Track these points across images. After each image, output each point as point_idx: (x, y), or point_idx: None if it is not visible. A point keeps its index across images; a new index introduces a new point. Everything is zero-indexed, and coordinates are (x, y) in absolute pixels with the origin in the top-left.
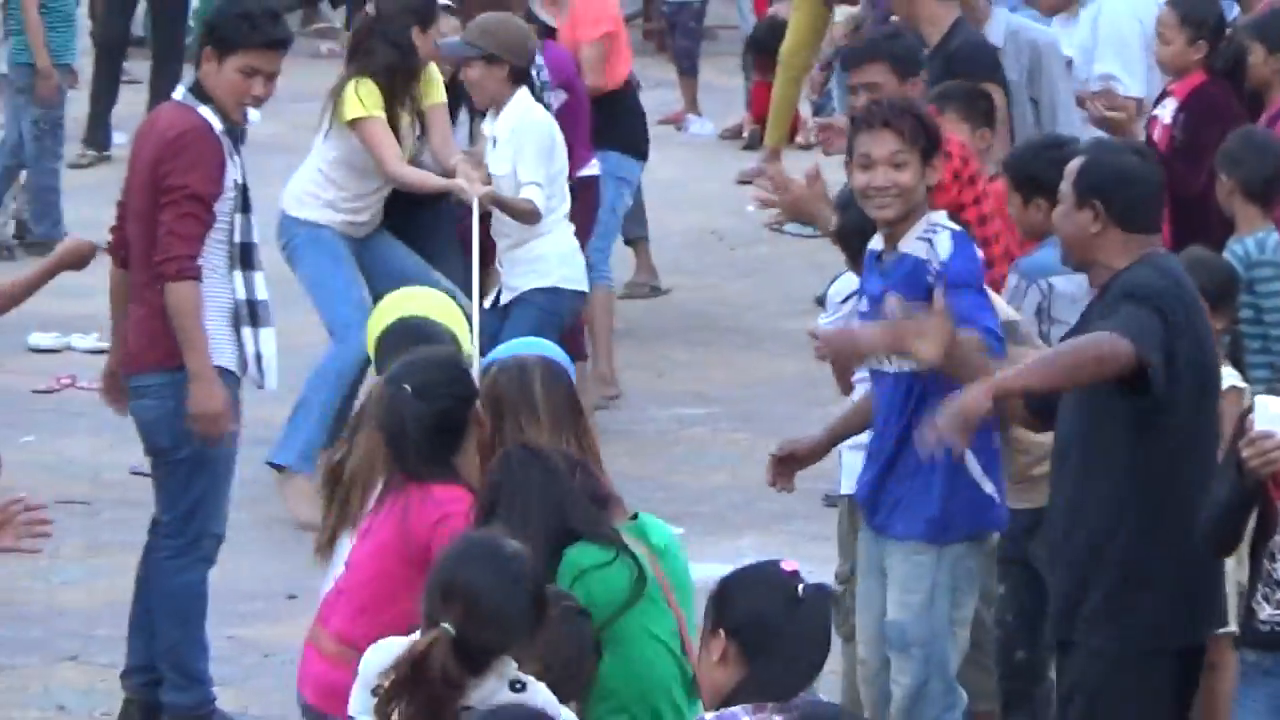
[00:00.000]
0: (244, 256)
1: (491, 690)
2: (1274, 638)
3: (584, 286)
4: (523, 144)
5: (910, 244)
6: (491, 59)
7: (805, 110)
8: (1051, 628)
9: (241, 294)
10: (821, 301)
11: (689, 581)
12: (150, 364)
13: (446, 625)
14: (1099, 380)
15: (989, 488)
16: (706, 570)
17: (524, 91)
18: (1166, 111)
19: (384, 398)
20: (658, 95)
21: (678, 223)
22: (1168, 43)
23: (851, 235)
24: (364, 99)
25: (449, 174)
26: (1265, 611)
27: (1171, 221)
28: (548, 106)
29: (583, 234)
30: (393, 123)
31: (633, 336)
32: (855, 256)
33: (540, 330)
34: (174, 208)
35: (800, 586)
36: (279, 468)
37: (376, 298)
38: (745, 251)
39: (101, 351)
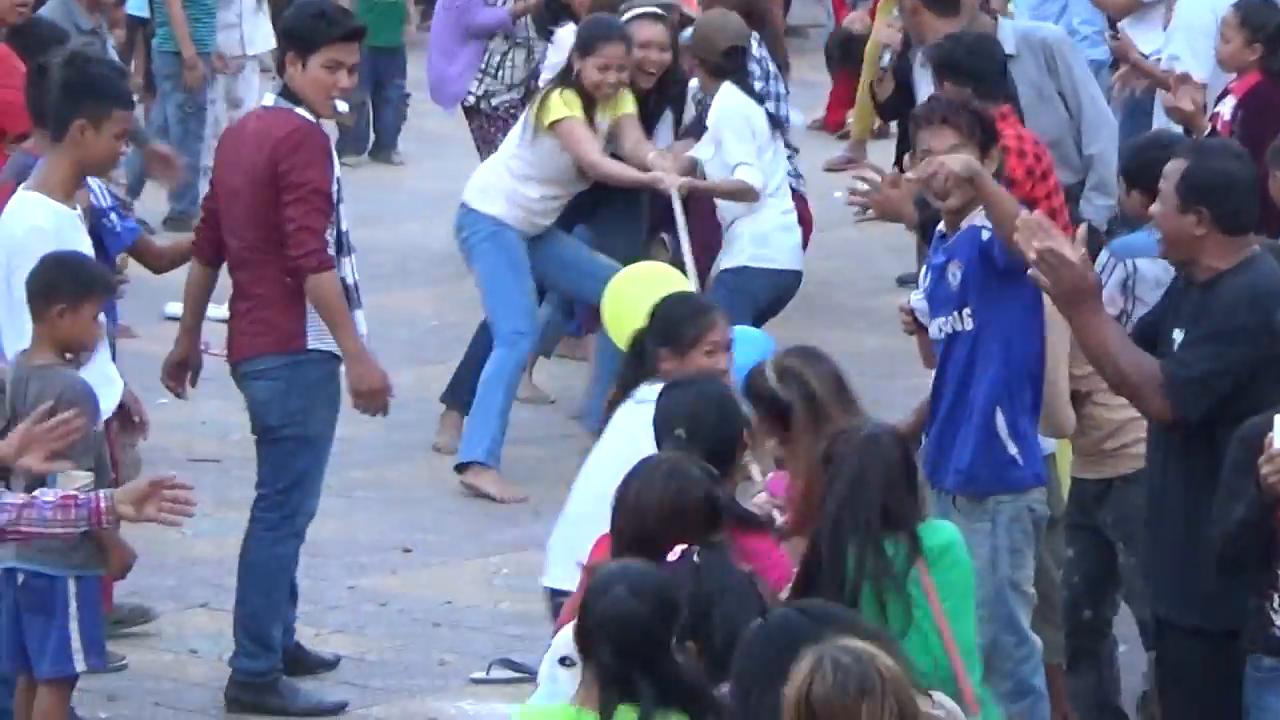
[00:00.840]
0: (344, 243)
1: None
2: None
3: (782, 264)
4: (721, 130)
5: (971, 222)
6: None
7: None
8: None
9: (349, 279)
10: (903, 281)
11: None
12: (264, 349)
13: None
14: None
15: (1013, 449)
16: None
17: (728, 84)
18: (1226, 108)
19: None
20: None
21: None
22: (1227, 41)
23: (930, 229)
24: (566, 103)
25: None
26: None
27: None
28: (762, 96)
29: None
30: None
31: None
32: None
33: (730, 309)
34: (301, 204)
35: None
36: (467, 465)
37: (540, 285)
38: (832, 234)
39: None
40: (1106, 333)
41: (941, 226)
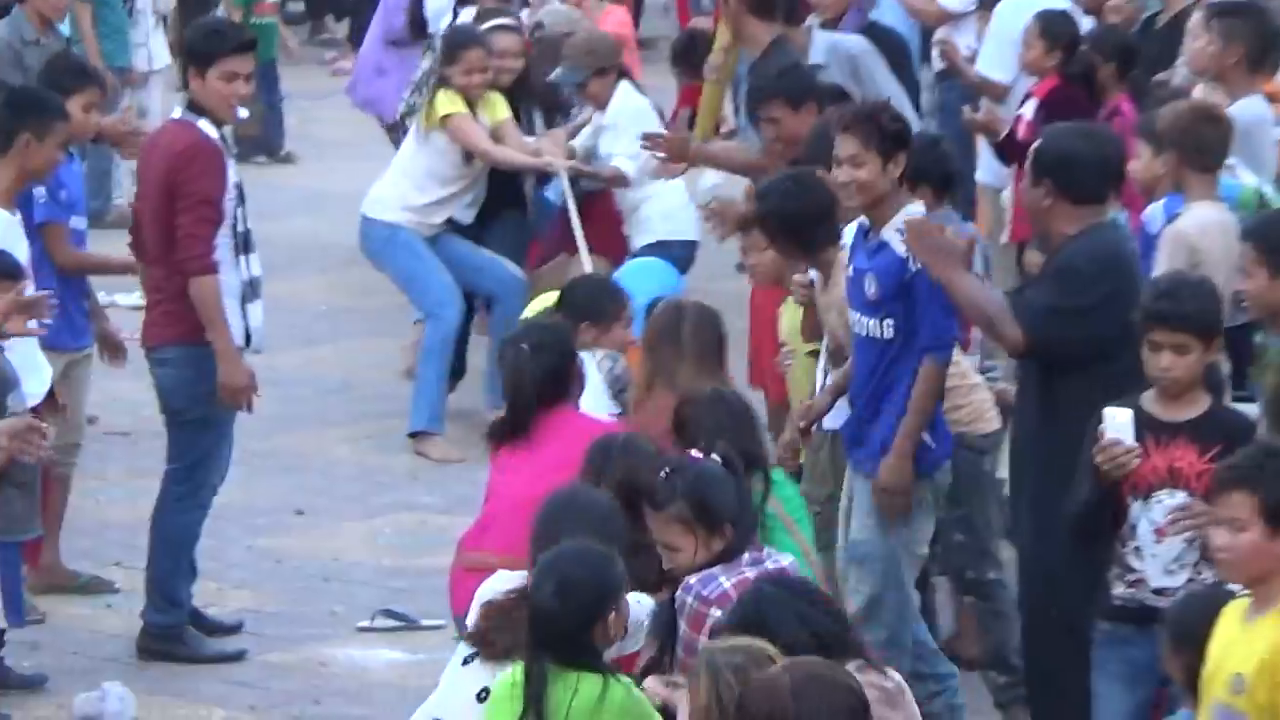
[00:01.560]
0: (244, 243)
1: None
2: (1124, 612)
3: (691, 235)
4: (616, 122)
5: (889, 233)
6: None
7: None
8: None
9: (245, 275)
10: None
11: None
12: (170, 339)
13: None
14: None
15: (926, 437)
16: None
17: (624, 83)
18: (1029, 109)
19: (505, 355)
20: None
21: None
22: (1029, 48)
23: (769, 220)
24: (451, 101)
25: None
26: (1118, 589)
27: None
28: None
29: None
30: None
31: None
32: (774, 238)
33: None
34: (191, 212)
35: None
36: (415, 434)
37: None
38: None
39: (141, 308)
40: (969, 284)
41: (864, 219)
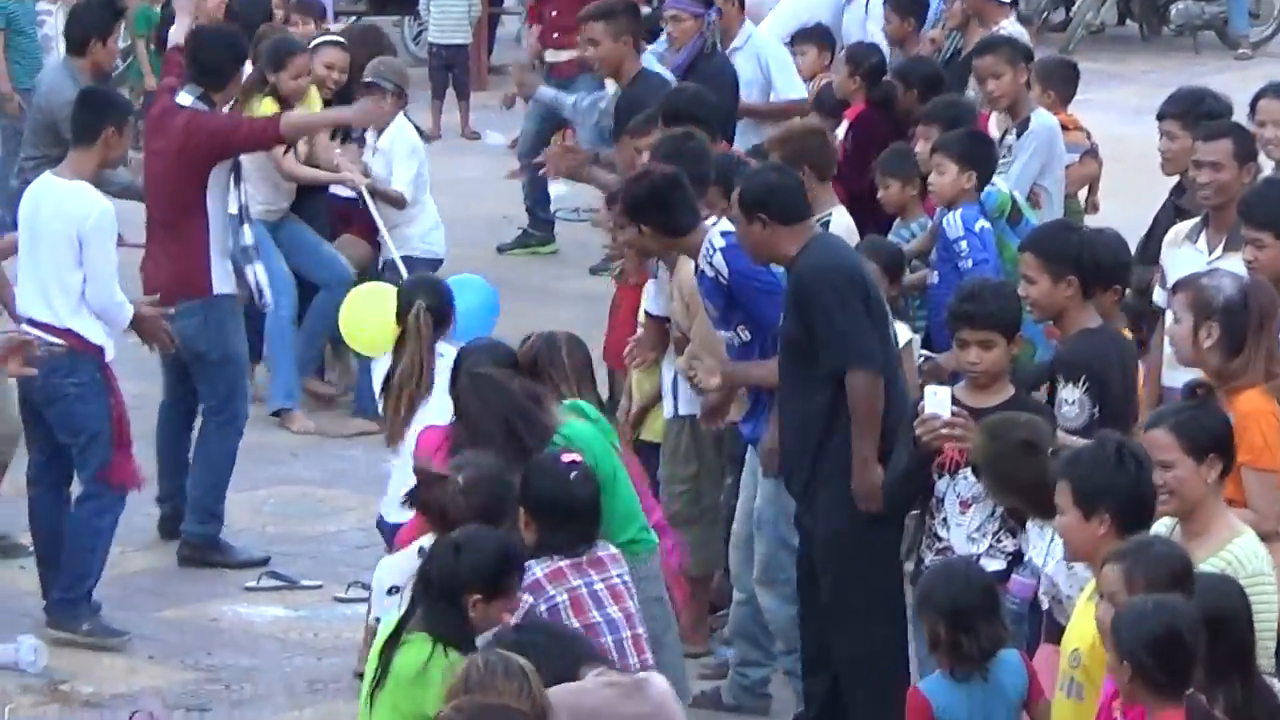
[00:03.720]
0: (242, 214)
1: None
2: None
3: (440, 254)
4: (396, 152)
5: (701, 263)
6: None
7: None
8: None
9: (243, 242)
10: (595, 270)
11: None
12: (183, 294)
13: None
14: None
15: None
16: None
17: (401, 116)
18: (841, 130)
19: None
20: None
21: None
22: (842, 75)
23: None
24: (266, 110)
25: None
26: (927, 557)
27: (848, 211)
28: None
29: None
30: None
31: None
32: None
33: None
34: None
35: (572, 472)
36: (279, 413)
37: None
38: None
39: None
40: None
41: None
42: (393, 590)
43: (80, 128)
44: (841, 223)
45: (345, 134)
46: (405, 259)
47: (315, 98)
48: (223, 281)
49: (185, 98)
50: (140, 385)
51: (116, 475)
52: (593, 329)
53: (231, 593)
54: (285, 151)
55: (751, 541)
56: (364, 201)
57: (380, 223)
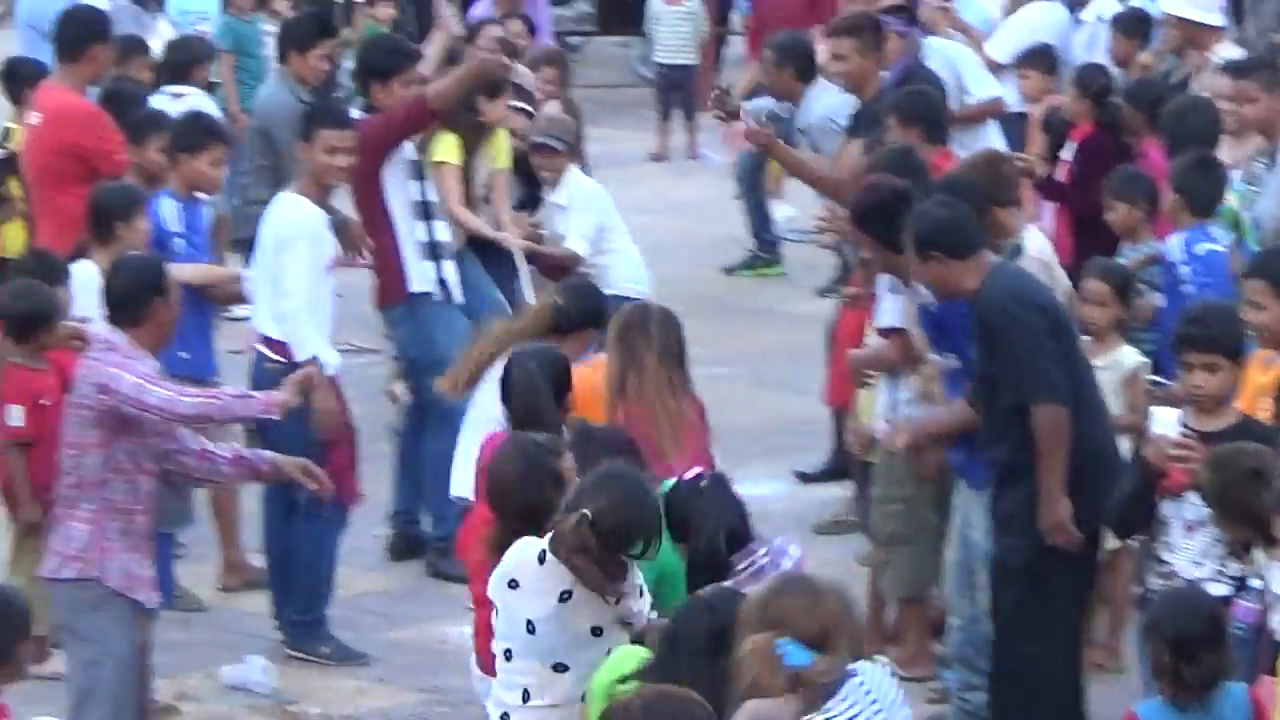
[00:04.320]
0: (424, 210)
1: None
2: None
3: (648, 292)
4: (573, 206)
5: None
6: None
7: None
8: None
9: (426, 237)
10: (823, 292)
11: None
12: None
13: (586, 511)
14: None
15: None
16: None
17: (574, 168)
18: (1068, 151)
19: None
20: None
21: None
22: (1026, 78)
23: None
24: (447, 149)
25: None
26: (1152, 581)
27: (1074, 234)
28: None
29: None
30: (467, 174)
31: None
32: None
33: None
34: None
35: (702, 481)
36: None
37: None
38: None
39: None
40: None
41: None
42: (512, 584)
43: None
44: (1035, 244)
45: (532, 200)
46: (614, 298)
47: (504, 151)
48: (420, 280)
49: (355, 112)
50: (365, 407)
51: (337, 493)
52: (820, 351)
53: (458, 614)
54: (462, 199)
55: (965, 565)
56: (519, 266)
57: (527, 283)
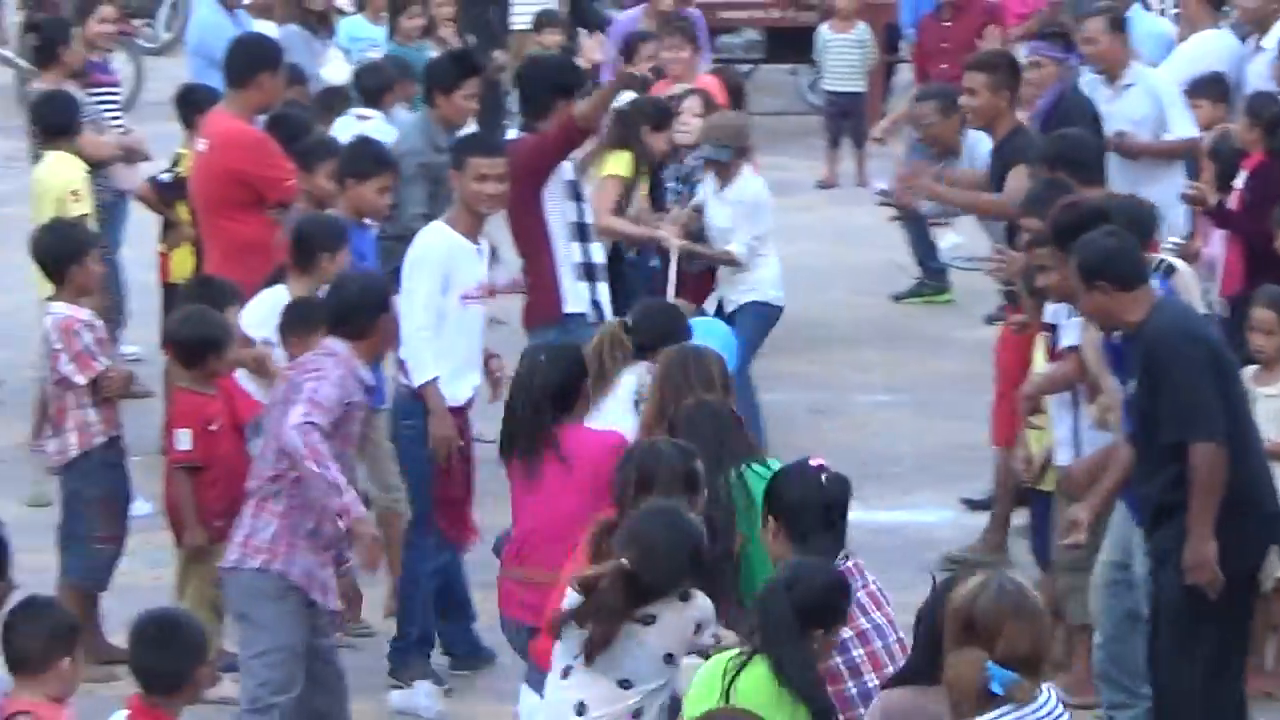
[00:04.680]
0: (580, 231)
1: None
2: None
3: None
4: (744, 208)
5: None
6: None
7: None
8: None
9: (580, 259)
10: (991, 320)
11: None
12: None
13: (624, 561)
14: None
15: None
16: (890, 516)
17: (747, 166)
18: (1240, 179)
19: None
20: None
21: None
22: (1199, 107)
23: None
24: (616, 163)
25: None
26: None
27: (1245, 262)
28: None
29: None
30: (629, 190)
31: (842, 341)
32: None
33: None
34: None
35: (823, 475)
36: None
37: None
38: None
39: None
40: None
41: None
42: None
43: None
44: (1183, 270)
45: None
46: (758, 305)
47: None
48: (575, 301)
49: (511, 133)
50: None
51: (447, 527)
52: (988, 380)
53: None
54: (614, 210)
55: (1115, 585)
56: (670, 266)
57: (672, 284)
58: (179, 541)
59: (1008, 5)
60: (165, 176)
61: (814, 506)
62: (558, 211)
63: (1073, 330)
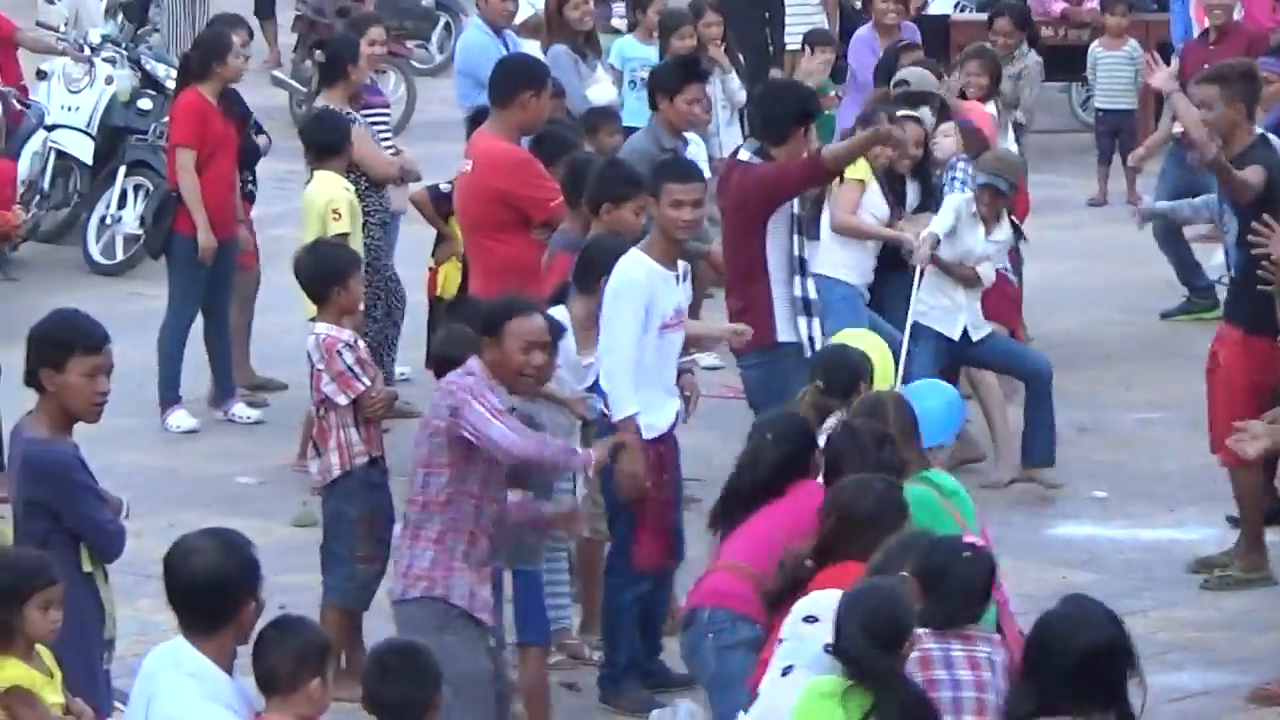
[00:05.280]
0: (799, 265)
1: None
2: None
3: None
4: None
5: None
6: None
7: None
8: None
9: (800, 293)
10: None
11: (973, 512)
12: (752, 347)
13: (906, 574)
14: None
15: None
16: (1156, 534)
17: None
18: None
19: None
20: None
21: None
22: None
23: None
24: (855, 168)
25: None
26: None
27: None
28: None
29: None
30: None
31: (1109, 359)
32: None
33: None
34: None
35: (966, 551)
36: None
37: None
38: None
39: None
40: None
41: None
42: (809, 619)
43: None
44: None
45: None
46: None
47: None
48: (787, 330)
49: (744, 153)
50: None
51: (638, 555)
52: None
53: None
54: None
55: None
56: (915, 276)
57: (915, 306)
58: None
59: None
60: (444, 187)
61: (948, 579)
62: (779, 243)
63: None
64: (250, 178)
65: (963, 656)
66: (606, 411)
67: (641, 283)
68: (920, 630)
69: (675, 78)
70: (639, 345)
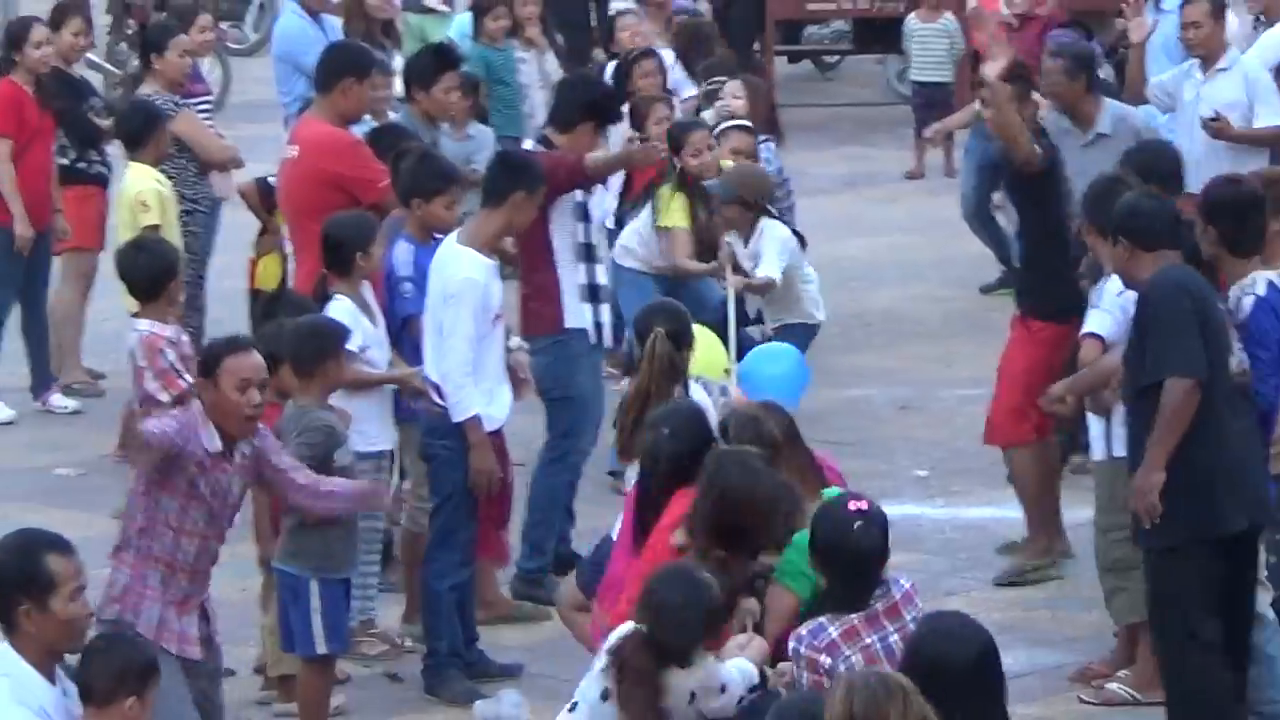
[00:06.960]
0: (586, 252)
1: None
2: None
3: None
4: (765, 248)
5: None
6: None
7: None
8: None
9: (585, 280)
10: None
11: None
12: (540, 331)
13: (641, 626)
14: None
15: None
16: (978, 512)
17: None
18: None
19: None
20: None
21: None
22: None
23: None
24: (678, 214)
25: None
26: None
27: None
28: None
29: None
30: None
31: (930, 335)
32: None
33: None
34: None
35: (857, 521)
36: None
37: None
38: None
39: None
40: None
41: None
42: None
43: (490, 190)
44: None
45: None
46: (802, 327)
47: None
48: (575, 318)
49: (528, 140)
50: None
51: (484, 546)
52: None
53: None
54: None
55: None
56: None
57: (733, 328)
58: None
59: None
60: (274, 180)
61: (844, 553)
62: (565, 231)
63: (1094, 317)
64: (99, 158)
65: (899, 641)
66: (440, 402)
67: (481, 282)
68: (853, 619)
69: (430, 67)
70: (476, 344)
